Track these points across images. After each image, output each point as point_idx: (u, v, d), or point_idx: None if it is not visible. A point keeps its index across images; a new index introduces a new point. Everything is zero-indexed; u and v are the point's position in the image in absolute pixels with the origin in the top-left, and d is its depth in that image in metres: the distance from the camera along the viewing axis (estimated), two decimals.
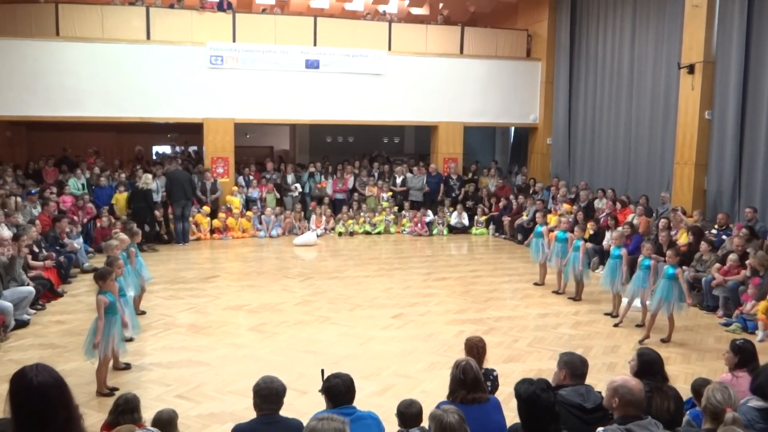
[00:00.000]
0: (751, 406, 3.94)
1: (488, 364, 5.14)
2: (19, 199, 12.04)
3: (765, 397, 3.97)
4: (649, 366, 4.42)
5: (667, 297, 7.92)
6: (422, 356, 7.31)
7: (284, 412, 3.99)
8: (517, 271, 11.89)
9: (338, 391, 3.95)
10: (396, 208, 16.60)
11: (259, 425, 3.85)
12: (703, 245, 10.06)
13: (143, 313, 8.73)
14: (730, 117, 11.82)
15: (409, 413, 4.00)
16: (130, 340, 7.43)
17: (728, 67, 11.84)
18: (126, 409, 4.23)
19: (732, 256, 9.31)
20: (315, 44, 16.17)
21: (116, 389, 6.08)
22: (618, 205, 13.32)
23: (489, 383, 4.83)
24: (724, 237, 10.43)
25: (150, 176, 14.21)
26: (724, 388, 3.55)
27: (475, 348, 4.88)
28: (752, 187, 11.53)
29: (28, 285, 8.76)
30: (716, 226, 10.90)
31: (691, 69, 12.30)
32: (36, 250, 10.01)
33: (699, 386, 4.24)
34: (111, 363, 6.50)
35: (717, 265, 9.47)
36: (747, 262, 9.06)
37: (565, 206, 14.42)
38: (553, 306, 9.60)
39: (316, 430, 2.88)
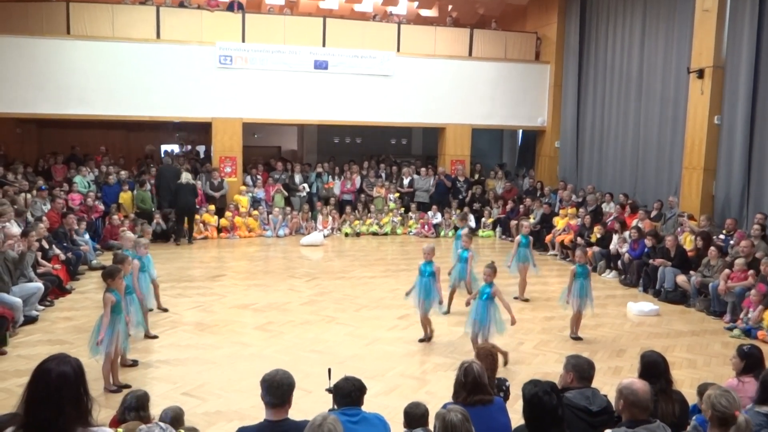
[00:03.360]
0: (758, 411, 3.94)
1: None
2: (29, 195, 12.13)
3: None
4: (651, 367, 4.41)
5: (482, 320, 6.94)
6: (428, 357, 7.32)
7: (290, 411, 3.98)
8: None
9: (343, 392, 3.98)
10: (402, 210, 16.62)
11: (264, 430, 3.66)
12: (711, 250, 10.04)
13: (166, 310, 8.89)
14: (739, 122, 11.78)
15: (414, 414, 4.02)
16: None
17: (738, 73, 11.80)
18: (131, 406, 4.27)
19: (739, 261, 9.28)
20: (324, 45, 16.21)
21: (128, 386, 6.12)
22: (628, 209, 13.28)
23: (501, 394, 4.81)
24: (732, 242, 10.41)
25: (189, 174, 14.56)
26: (727, 392, 3.54)
27: (490, 356, 4.82)
28: (761, 192, 11.49)
29: (36, 281, 8.82)
30: (724, 232, 10.87)
31: (700, 74, 12.26)
32: (46, 246, 10.08)
33: (705, 390, 4.23)
34: (118, 360, 6.53)
35: (726, 271, 9.42)
36: (761, 267, 8.98)
37: (571, 210, 14.40)
38: (559, 309, 9.56)
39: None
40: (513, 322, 7.20)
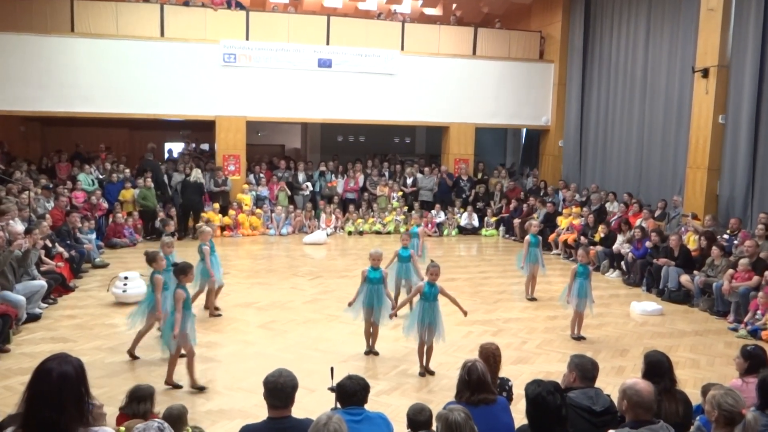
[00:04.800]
0: (764, 411, 3.93)
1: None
2: (32, 193, 12.14)
3: (766, 397, 3.95)
4: (654, 367, 4.40)
5: (431, 321, 6.65)
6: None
7: (293, 410, 3.97)
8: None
9: (347, 392, 3.97)
10: (406, 208, 16.61)
11: (269, 430, 3.64)
12: (714, 250, 10.01)
13: (218, 311, 8.83)
14: (743, 122, 11.74)
15: (418, 420, 3.92)
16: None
17: (743, 72, 11.76)
18: (134, 397, 4.32)
19: (743, 261, 9.25)
20: (328, 43, 16.21)
21: (204, 387, 6.24)
22: (635, 207, 13.22)
23: (504, 394, 4.80)
24: (736, 242, 10.38)
25: (199, 171, 14.87)
26: (731, 391, 3.54)
27: (492, 356, 4.79)
28: (765, 192, 11.46)
29: (39, 279, 8.83)
30: (728, 231, 10.84)
31: (705, 73, 12.23)
32: (49, 245, 10.09)
33: (709, 391, 4.22)
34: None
35: (730, 271, 9.39)
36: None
37: (575, 209, 14.37)
38: (562, 308, 9.56)
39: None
40: (465, 314, 6.83)
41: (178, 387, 6.25)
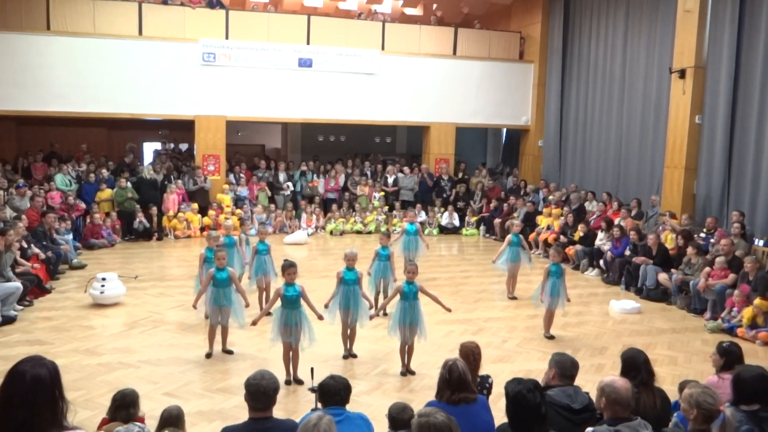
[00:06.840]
0: (740, 408, 3.97)
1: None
2: (6, 193, 11.95)
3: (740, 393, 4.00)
4: (630, 362, 4.46)
5: (412, 320, 6.64)
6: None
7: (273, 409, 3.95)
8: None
9: (330, 391, 3.96)
10: (387, 208, 16.60)
11: (250, 431, 3.61)
12: (690, 249, 10.13)
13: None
14: (720, 122, 11.90)
15: (401, 419, 3.91)
16: None
17: (719, 73, 11.92)
18: (122, 404, 4.26)
19: (719, 259, 9.38)
20: (308, 43, 16.15)
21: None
22: (615, 205, 13.33)
23: (485, 391, 4.81)
24: (712, 241, 10.52)
25: (151, 167, 15.14)
26: (708, 389, 3.58)
27: (472, 355, 4.80)
28: (741, 191, 11.62)
29: (14, 281, 8.68)
30: (705, 230, 10.98)
31: (682, 74, 12.38)
32: (25, 246, 9.93)
33: (685, 388, 4.26)
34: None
35: (707, 269, 9.52)
36: (745, 266, 9.04)
37: (555, 210, 14.43)
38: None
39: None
40: (448, 311, 7.05)
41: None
